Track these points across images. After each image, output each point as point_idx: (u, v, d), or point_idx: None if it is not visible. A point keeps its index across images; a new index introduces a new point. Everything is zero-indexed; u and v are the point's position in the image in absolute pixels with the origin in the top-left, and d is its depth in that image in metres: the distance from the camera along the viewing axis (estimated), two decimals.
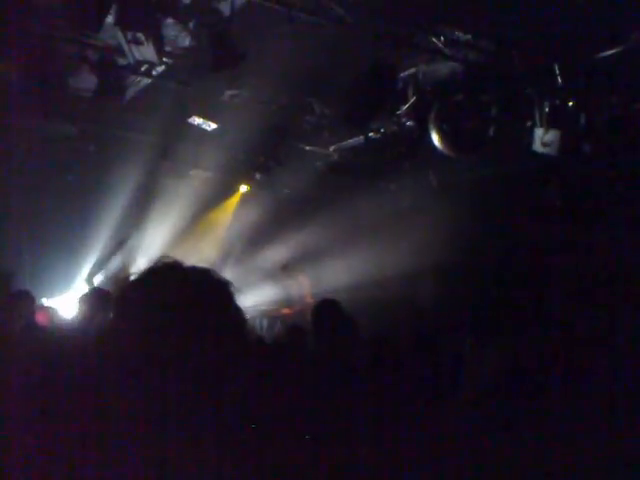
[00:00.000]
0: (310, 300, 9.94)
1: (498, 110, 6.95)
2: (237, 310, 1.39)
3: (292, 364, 3.64)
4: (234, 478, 1.28)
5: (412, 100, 7.23)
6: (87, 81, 7.14)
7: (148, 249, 9.64)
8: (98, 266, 8.39)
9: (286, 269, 10.48)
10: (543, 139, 6.75)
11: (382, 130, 8.38)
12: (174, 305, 1.31)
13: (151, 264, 1.40)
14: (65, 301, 8.61)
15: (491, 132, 6.98)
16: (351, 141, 9.10)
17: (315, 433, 2.33)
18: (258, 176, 9.56)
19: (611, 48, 5.92)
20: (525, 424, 2.65)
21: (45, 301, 8.14)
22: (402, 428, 2.79)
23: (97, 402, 1.31)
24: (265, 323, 9.93)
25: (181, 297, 1.33)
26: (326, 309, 4.58)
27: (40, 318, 5.68)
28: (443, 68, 6.90)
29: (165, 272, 1.38)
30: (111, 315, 1.39)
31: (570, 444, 2.45)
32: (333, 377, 3.31)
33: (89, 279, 8.03)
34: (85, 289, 7.94)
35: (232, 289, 1.41)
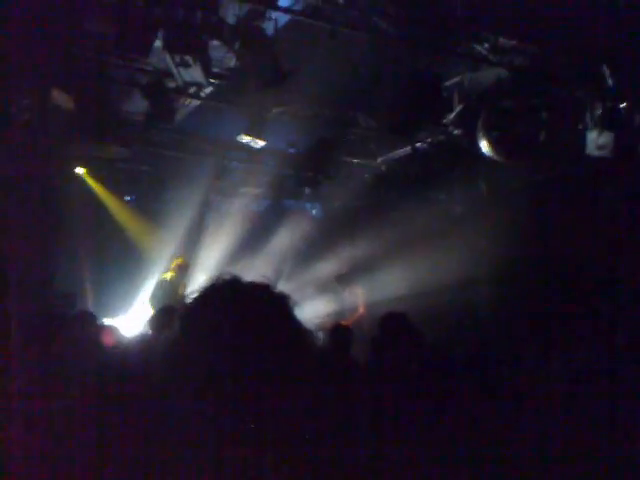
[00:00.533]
0: (363, 311, 9.90)
1: (548, 114, 6.83)
2: (298, 323, 1.41)
3: (353, 374, 3.65)
4: None
5: (458, 108, 7.18)
6: (139, 105, 7.38)
7: (204, 267, 9.81)
8: (159, 285, 8.57)
9: (341, 280, 10.46)
10: (597, 142, 6.60)
11: (429, 140, 8.33)
12: (236, 320, 1.33)
13: (211, 280, 1.43)
14: (126, 321, 8.83)
15: (542, 136, 6.85)
16: (398, 152, 9.07)
17: (371, 439, 2.33)
18: (307, 191, 9.63)
19: None
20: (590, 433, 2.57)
21: (107, 321, 8.37)
22: (460, 439, 2.75)
23: (160, 418, 1.34)
24: (321, 336, 9.93)
25: (243, 312, 1.35)
26: (394, 321, 4.49)
27: (104, 337, 5.84)
28: (489, 75, 6.82)
29: (226, 288, 1.41)
30: (176, 332, 1.40)
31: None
32: (392, 390, 3.30)
33: (152, 300, 8.22)
34: (147, 309, 8.11)
35: (291, 302, 1.43)
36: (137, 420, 1.63)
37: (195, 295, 1.41)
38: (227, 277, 1.43)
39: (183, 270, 8.75)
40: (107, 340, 5.95)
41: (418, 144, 8.43)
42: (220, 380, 1.28)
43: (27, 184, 7.36)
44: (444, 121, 7.43)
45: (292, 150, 9.31)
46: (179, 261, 8.82)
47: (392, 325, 4.42)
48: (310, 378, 1.37)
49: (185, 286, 8.55)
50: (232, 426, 1.27)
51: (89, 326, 5.32)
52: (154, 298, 8.28)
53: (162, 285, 8.53)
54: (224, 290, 1.41)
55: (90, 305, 8.76)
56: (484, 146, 6.78)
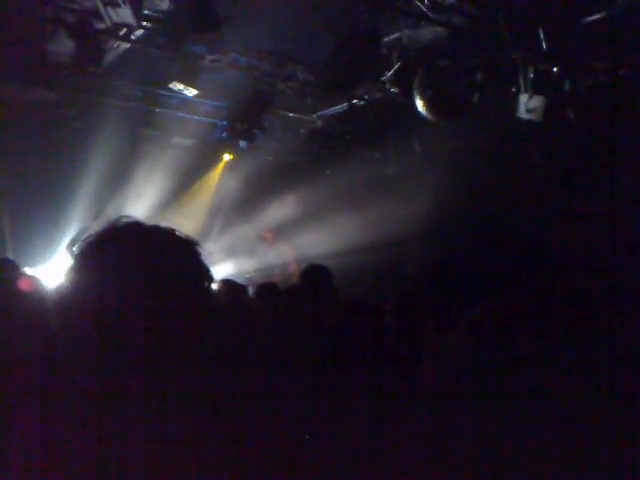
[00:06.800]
0: (295, 268, 9.94)
1: (483, 76, 6.90)
2: (204, 268, 1.34)
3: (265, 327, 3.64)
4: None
5: (396, 66, 7.15)
6: (65, 46, 6.98)
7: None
8: (79, 235, 8.27)
9: (267, 239, 10.45)
10: (527, 105, 6.72)
11: (366, 97, 8.29)
12: (137, 261, 1.26)
13: (111, 223, 1.34)
14: (47, 270, 8.52)
15: (475, 98, 6.93)
16: (335, 108, 9.00)
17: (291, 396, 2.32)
18: (242, 144, 9.46)
19: (596, 13, 5.86)
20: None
21: (27, 270, 8.06)
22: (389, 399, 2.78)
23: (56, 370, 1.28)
24: (250, 291, 9.91)
25: (144, 253, 1.28)
26: (314, 274, 4.55)
27: (23, 285, 5.62)
28: (427, 33, 6.81)
29: (126, 230, 1.33)
30: (68, 277, 1.33)
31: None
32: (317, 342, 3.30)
33: (69, 248, 7.93)
34: (67, 258, 7.83)
35: (198, 248, 1.36)
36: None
37: (90, 238, 1.32)
38: (129, 220, 1.35)
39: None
40: (27, 289, 5.74)
41: (355, 101, 8.37)
42: (112, 329, 1.21)
43: None
44: (382, 78, 7.41)
45: (227, 101, 9.09)
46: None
47: (312, 276, 4.49)
48: (208, 325, 1.33)
49: None
50: (123, 377, 1.22)
51: (10, 274, 5.11)
52: (73, 246, 8.00)
53: (82, 233, 8.22)
54: (123, 231, 1.32)
55: (9, 253, 8.40)
56: (419, 105, 6.81)
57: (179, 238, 1.35)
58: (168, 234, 1.34)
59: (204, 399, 1.35)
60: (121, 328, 1.21)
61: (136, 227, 1.34)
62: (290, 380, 2.69)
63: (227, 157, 10.67)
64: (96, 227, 1.34)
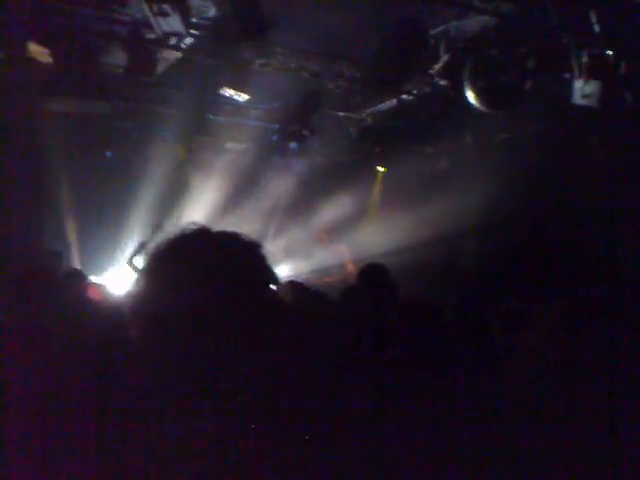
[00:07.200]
0: (351, 268, 9.94)
1: (534, 63, 6.74)
2: (269, 271, 1.37)
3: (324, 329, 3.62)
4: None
5: (444, 58, 7.07)
6: (119, 58, 7.20)
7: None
8: (140, 246, 8.48)
9: (322, 240, 10.47)
10: (583, 91, 6.54)
11: (415, 91, 8.23)
12: (206, 267, 1.29)
13: (180, 230, 1.37)
14: (112, 278, 8.79)
15: (528, 86, 6.78)
16: (384, 104, 8.97)
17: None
18: (293, 145, 9.53)
19: None
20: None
21: (94, 279, 8.33)
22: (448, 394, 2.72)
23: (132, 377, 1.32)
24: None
25: (212, 259, 1.31)
26: (372, 273, 4.44)
27: (92, 294, 5.82)
28: (475, 23, 6.71)
29: (194, 236, 1.36)
30: (141, 285, 1.34)
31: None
32: (373, 344, 3.27)
33: (130, 261, 8.13)
34: (128, 269, 8.04)
35: (263, 251, 1.38)
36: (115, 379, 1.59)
37: (161, 246, 1.35)
38: (196, 226, 1.38)
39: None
40: (96, 298, 5.95)
41: (404, 96, 8.32)
42: (186, 333, 1.24)
43: (7, 141, 7.22)
44: (430, 72, 7.34)
45: (277, 104, 9.19)
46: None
47: (370, 275, 4.37)
48: (274, 327, 1.34)
49: None
50: (200, 383, 1.23)
51: (79, 284, 5.30)
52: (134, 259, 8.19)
53: (143, 246, 8.42)
54: (191, 238, 1.35)
55: (76, 263, 8.72)
56: (470, 96, 6.71)
57: (245, 242, 1.38)
58: (234, 238, 1.38)
59: (277, 401, 1.36)
60: (196, 332, 1.24)
61: (204, 233, 1.37)
62: (357, 382, 2.68)
63: (280, 160, 10.79)
64: (159, 237, 1.38)
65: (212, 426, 1.24)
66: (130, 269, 7.99)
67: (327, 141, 10.02)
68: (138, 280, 1.35)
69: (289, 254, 10.69)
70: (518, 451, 2.24)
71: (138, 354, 1.32)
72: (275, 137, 9.58)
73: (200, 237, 1.36)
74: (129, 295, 1.42)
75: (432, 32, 6.81)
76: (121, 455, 1.25)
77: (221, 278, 1.28)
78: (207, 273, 1.28)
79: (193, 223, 1.39)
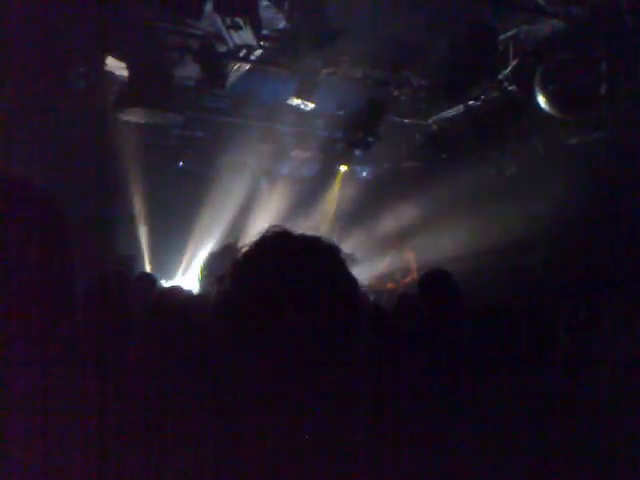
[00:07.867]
0: (415, 274, 9.87)
1: (608, 66, 6.57)
2: (349, 276, 1.38)
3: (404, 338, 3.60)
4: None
5: (514, 63, 6.98)
6: (191, 70, 7.42)
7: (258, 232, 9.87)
8: (212, 258, 8.64)
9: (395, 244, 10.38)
10: None
11: (482, 97, 8.14)
12: (288, 272, 1.32)
13: (262, 233, 1.40)
14: (183, 283, 9.00)
15: (602, 90, 6.60)
16: (450, 111, 8.90)
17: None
18: (358, 153, 9.58)
19: None
20: None
21: (165, 283, 8.55)
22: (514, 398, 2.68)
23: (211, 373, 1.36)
24: (371, 298, 9.96)
25: (294, 263, 1.33)
26: (435, 280, 4.40)
27: (165, 296, 5.98)
28: (545, 27, 6.59)
29: (277, 240, 1.39)
30: (228, 286, 1.37)
31: None
32: (440, 353, 3.25)
33: (204, 271, 8.29)
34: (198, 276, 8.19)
35: (343, 255, 1.39)
36: (195, 374, 1.64)
37: (246, 248, 1.38)
38: (277, 230, 1.40)
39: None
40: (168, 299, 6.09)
41: (471, 102, 8.24)
42: (274, 335, 1.26)
43: (83, 150, 7.55)
44: (498, 77, 7.25)
45: (342, 112, 9.25)
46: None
47: (433, 282, 4.29)
48: (358, 331, 1.34)
49: None
50: (282, 385, 1.25)
51: (151, 288, 5.48)
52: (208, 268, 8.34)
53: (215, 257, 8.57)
54: (274, 241, 1.38)
55: (149, 268, 9.00)
56: (542, 101, 6.59)
57: (325, 245, 1.39)
58: (315, 242, 1.40)
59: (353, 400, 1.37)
60: (282, 334, 1.27)
61: (286, 236, 1.40)
62: (428, 387, 2.67)
63: (343, 168, 10.87)
64: (235, 244, 1.43)
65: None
66: (202, 275, 8.15)
67: (392, 148, 10.00)
68: (223, 283, 1.37)
69: (354, 260, 10.72)
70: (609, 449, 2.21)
71: (220, 357, 1.36)
72: (340, 144, 9.64)
73: (283, 240, 1.38)
74: (212, 297, 1.46)
75: (501, 37, 6.73)
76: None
77: (307, 280, 1.31)
78: (292, 276, 1.31)
79: (276, 226, 1.42)
